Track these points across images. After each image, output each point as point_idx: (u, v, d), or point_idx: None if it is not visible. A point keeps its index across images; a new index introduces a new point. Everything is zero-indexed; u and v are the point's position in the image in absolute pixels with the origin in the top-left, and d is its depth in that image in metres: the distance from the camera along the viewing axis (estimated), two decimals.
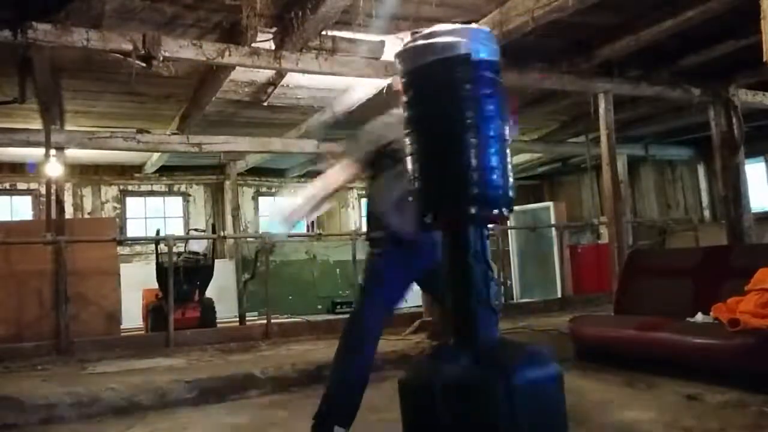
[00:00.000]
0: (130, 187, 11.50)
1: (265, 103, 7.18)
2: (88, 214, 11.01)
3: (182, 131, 7.74)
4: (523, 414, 1.78)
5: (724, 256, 4.69)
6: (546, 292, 9.38)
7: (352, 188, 13.06)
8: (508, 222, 10.30)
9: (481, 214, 1.99)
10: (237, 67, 5.48)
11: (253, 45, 5.01)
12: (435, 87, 2.02)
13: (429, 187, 2.04)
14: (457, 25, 2.07)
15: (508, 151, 2.05)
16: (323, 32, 5.07)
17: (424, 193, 2.06)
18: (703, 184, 10.93)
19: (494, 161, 1.98)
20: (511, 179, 2.03)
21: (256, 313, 8.29)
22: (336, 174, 2.78)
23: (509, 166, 2.04)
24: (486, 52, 2.02)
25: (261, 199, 12.60)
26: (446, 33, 2.01)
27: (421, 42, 2.06)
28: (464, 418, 1.81)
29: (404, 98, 2.14)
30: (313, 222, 12.81)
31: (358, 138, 2.96)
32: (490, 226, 2.29)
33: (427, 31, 2.06)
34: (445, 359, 1.93)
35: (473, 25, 2.11)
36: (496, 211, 2.01)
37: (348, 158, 2.82)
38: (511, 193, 2.02)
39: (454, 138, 1.98)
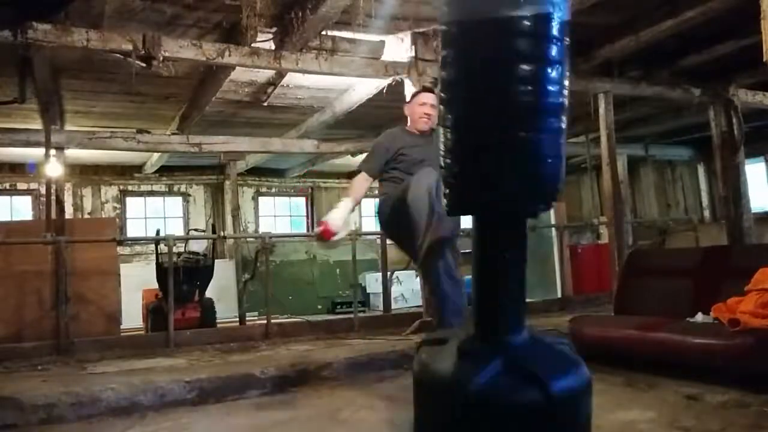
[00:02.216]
0: (130, 187, 11.50)
1: (265, 103, 7.19)
2: (88, 214, 11.01)
3: (182, 131, 7.75)
4: (560, 424, 1.65)
5: (724, 256, 4.68)
6: (546, 292, 9.36)
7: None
8: None
9: (528, 209, 1.69)
10: (237, 68, 5.49)
11: (253, 45, 5.01)
12: (489, 48, 1.58)
13: (468, 169, 1.65)
14: None
15: (564, 137, 1.65)
16: (323, 32, 5.08)
17: (461, 177, 1.67)
18: (703, 184, 10.94)
19: (552, 149, 1.60)
20: (563, 171, 1.66)
21: (256, 313, 8.29)
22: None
23: (563, 152, 1.66)
24: (561, 11, 1.57)
25: (261, 199, 12.60)
26: None
27: None
28: (497, 428, 1.66)
29: (444, 53, 1.68)
30: (313, 222, 12.83)
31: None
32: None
33: None
34: (475, 362, 1.71)
35: None
36: (543, 206, 1.70)
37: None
38: (561, 186, 1.67)
39: (506, 117, 1.57)
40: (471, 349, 1.79)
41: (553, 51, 1.56)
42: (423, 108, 3.73)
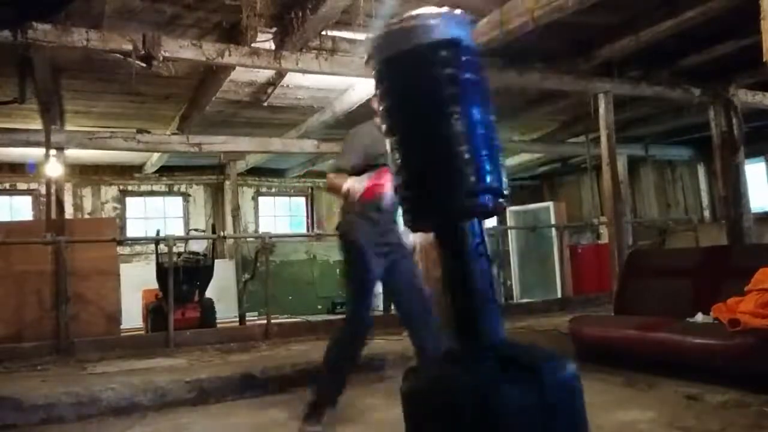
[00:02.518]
0: (130, 187, 11.50)
1: (265, 103, 7.19)
2: (88, 214, 11.01)
3: (182, 131, 7.74)
4: (557, 415, 1.70)
5: (724, 256, 4.69)
6: (546, 292, 9.38)
7: None
8: (508, 222, 10.32)
9: (478, 205, 1.85)
10: (237, 68, 5.49)
11: (253, 45, 5.01)
12: (417, 75, 1.90)
13: (418, 182, 1.91)
14: (433, 9, 1.94)
15: (496, 137, 1.92)
16: (323, 32, 5.07)
17: (413, 189, 1.92)
18: (703, 184, 10.93)
19: (486, 148, 1.85)
20: (503, 167, 1.91)
21: (256, 313, 8.29)
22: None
23: (500, 155, 1.92)
24: (466, 35, 1.91)
25: (261, 199, 12.60)
26: (424, 17, 1.89)
27: (398, 27, 1.93)
28: (494, 428, 1.71)
29: (380, 88, 2.00)
30: (313, 222, 12.84)
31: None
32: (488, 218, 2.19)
33: (402, 16, 1.93)
34: (463, 365, 1.77)
35: (446, 9, 2.00)
36: (492, 201, 1.86)
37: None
38: (504, 181, 1.89)
39: (441, 127, 1.86)
40: (458, 354, 1.84)
41: (467, 66, 1.87)
42: None
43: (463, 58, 1.87)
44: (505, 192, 1.90)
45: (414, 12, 1.92)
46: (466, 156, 1.81)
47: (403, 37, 1.90)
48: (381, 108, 1.98)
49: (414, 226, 2.04)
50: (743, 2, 3.94)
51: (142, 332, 7.11)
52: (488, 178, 1.84)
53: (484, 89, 1.93)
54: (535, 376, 1.68)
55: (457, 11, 1.99)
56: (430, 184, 1.87)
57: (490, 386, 1.69)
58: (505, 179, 1.90)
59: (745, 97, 7.21)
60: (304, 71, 5.46)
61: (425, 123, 1.87)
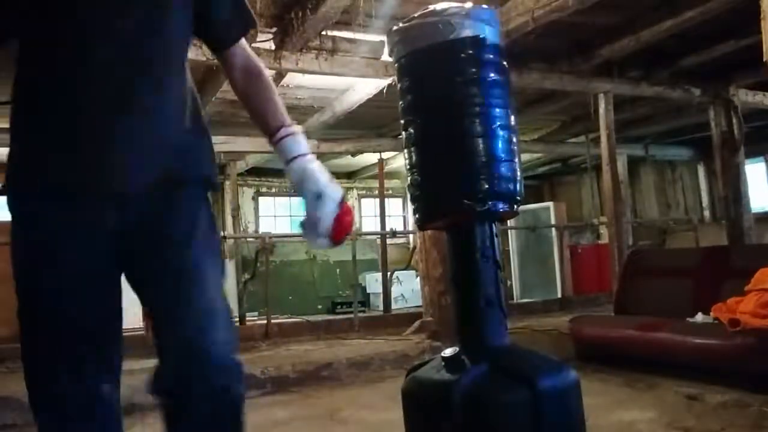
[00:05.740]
0: None
1: None
2: None
3: None
4: (549, 425, 1.66)
5: (724, 256, 4.69)
6: (546, 293, 9.38)
7: (351, 188, 13.09)
8: (508, 222, 10.32)
9: (491, 210, 1.81)
10: None
11: (253, 45, 5.01)
12: (438, 72, 1.85)
13: (432, 180, 1.87)
14: (460, 4, 1.87)
15: (516, 141, 1.88)
16: (323, 32, 5.07)
17: (426, 188, 1.89)
18: (703, 185, 10.93)
19: (504, 152, 1.81)
20: (519, 172, 1.86)
21: (256, 313, 8.30)
22: None
23: (518, 158, 1.88)
24: (492, 33, 1.86)
25: (261, 199, 12.59)
26: (449, 12, 1.83)
27: (421, 21, 1.87)
28: (487, 429, 1.67)
29: (401, 84, 1.95)
30: None
31: None
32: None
33: (426, 10, 1.88)
34: (458, 368, 1.76)
35: (476, 5, 1.88)
36: (506, 207, 1.84)
37: None
38: (520, 187, 1.84)
39: (461, 127, 1.81)
40: (455, 356, 1.84)
41: (491, 65, 1.84)
42: None
43: (486, 57, 1.81)
44: (520, 197, 1.86)
45: (437, 5, 1.86)
46: (484, 159, 1.77)
47: (424, 32, 1.85)
48: (400, 105, 1.90)
49: (425, 224, 2.00)
50: (743, 2, 3.94)
51: (142, 332, 7.10)
52: (506, 184, 1.80)
53: (506, 89, 1.87)
54: (528, 385, 1.66)
55: (483, 6, 1.90)
56: (445, 184, 1.83)
57: (482, 392, 1.69)
58: (521, 186, 1.85)
59: (745, 97, 7.21)
60: (304, 71, 5.46)
61: (444, 123, 1.83)
